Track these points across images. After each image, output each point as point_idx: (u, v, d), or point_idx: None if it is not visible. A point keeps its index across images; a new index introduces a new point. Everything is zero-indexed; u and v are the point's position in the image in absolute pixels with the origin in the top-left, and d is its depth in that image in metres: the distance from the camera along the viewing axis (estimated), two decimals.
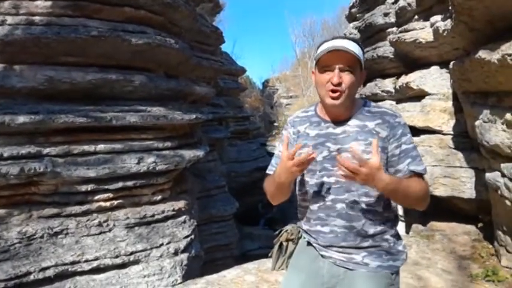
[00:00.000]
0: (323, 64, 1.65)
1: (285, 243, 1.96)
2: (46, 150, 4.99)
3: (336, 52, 1.59)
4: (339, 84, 1.61)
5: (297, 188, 1.85)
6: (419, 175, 1.68)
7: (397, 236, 1.77)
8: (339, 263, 1.71)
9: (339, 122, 1.72)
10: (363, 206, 1.66)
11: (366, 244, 1.69)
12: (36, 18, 5.02)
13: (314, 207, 1.76)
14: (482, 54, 3.75)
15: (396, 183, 1.56)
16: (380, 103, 6.96)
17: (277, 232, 2.02)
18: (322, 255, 1.76)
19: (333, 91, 1.62)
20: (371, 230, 1.68)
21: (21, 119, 4.70)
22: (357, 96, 1.83)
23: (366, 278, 1.67)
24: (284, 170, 1.62)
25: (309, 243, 1.84)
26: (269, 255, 2.00)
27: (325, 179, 1.71)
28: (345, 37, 1.70)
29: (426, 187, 1.69)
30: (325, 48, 1.62)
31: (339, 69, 1.61)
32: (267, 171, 1.94)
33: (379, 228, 1.69)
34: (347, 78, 1.61)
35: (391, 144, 1.67)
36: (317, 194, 1.74)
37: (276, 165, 1.86)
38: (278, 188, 1.74)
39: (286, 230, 1.98)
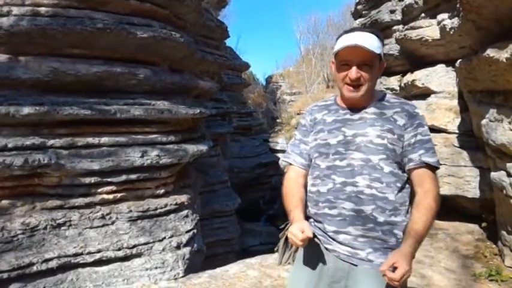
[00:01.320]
0: (341, 59, 1.66)
1: None
2: (50, 142, 4.99)
3: (353, 48, 1.59)
4: (357, 79, 1.63)
5: (309, 173, 1.85)
6: (430, 167, 1.66)
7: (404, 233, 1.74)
8: (343, 257, 1.71)
9: (357, 109, 1.75)
10: (374, 191, 1.64)
11: (373, 234, 1.66)
12: (42, 10, 5.01)
13: (323, 189, 1.75)
14: (491, 52, 3.72)
15: (418, 241, 1.57)
16: None
17: (282, 226, 2.00)
18: (327, 249, 1.75)
19: (351, 85, 1.66)
20: (381, 218, 1.65)
21: (26, 110, 4.70)
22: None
23: (369, 274, 1.66)
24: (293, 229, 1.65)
25: (314, 236, 1.80)
26: (275, 249, 1.99)
27: (337, 162, 1.71)
28: (364, 30, 1.69)
29: (435, 193, 1.64)
30: (343, 43, 1.62)
31: (357, 65, 1.62)
32: (285, 159, 1.96)
33: (389, 218, 1.66)
34: (365, 73, 1.63)
35: (408, 132, 1.67)
36: (327, 177, 1.73)
37: (293, 153, 1.91)
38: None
39: None
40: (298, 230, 1.60)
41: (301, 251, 1.88)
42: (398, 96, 7.35)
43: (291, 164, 1.92)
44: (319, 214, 1.77)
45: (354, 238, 1.68)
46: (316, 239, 1.79)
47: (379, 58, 1.67)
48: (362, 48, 1.57)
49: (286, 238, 1.96)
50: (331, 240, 1.74)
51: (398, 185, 1.67)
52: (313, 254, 1.80)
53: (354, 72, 1.61)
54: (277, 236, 2.00)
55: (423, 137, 1.67)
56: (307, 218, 1.88)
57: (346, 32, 1.69)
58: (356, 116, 1.73)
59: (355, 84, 1.64)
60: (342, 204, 1.68)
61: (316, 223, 1.81)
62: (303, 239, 1.58)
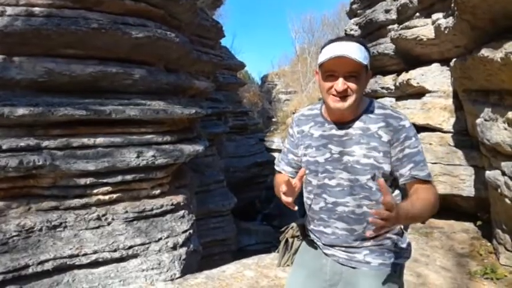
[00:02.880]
0: (326, 69, 1.59)
1: (290, 240, 1.97)
2: (45, 143, 4.96)
3: (340, 59, 1.52)
4: (344, 91, 1.56)
5: (303, 185, 1.83)
6: (423, 181, 1.61)
7: (401, 233, 1.75)
8: (341, 261, 1.72)
9: (342, 123, 1.69)
10: (364, 209, 1.64)
11: (367, 244, 1.69)
12: (36, 10, 4.97)
13: (316, 207, 1.76)
14: (485, 52, 3.74)
15: (413, 205, 1.50)
16: (380, 100, 6.97)
17: (283, 229, 2.02)
18: (325, 253, 1.78)
19: (337, 97, 1.59)
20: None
21: (21, 111, 4.66)
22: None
23: (367, 276, 1.67)
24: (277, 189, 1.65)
25: (313, 241, 1.86)
26: (276, 251, 2.02)
27: (326, 181, 1.71)
28: (349, 39, 1.63)
29: (434, 194, 1.61)
30: (329, 53, 1.55)
31: (343, 76, 1.56)
32: (275, 167, 1.97)
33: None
34: (351, 84, 1.56)
35: (394, 148, 1.62)
36: (319, 196, 1.74)
37: (282, 162, 1.92)
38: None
39: (292, 227, 1.99)
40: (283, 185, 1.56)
41: (300, 254, 1.91)
42: (394, 95, 7.42)
43: (279, 173, 1.95)
44: (315, 230, 1.81)
45: (348, 249, 1.72)
46: (315, 244, 1.84)
47: (366, 69, 1.61)
48: (349, 58, 1.51)
49: (286, 240, 1.98)
50: (328, 247, 1.77)
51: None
52: (311, 257, 1.83)
53: (340, 84, 1.55)
54: (273, 235, 2.04)
55: (411, 149, 1.62)
56: (306, 230, 1.93)
57: (332, 41, 1.62)
58: (342, 132, 1.68)
59: (342, 95, 1.58)
60: (335, 224, 1.71)
61: (312, 235, 1.85)
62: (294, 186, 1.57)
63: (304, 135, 1.79)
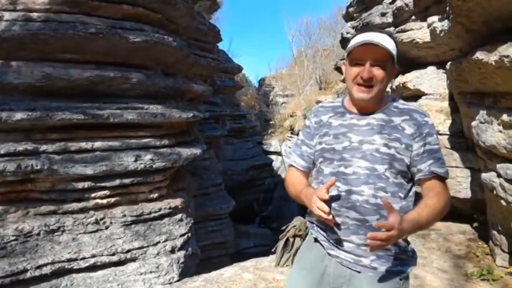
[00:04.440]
0: (354, 57, 1.60)
1: (291, 239, 1.92)
2: (43, 147, 4.98)
3: (368, 46, 1.53)
4: (370, 79, 1.57)
5: (313, 177, 1.80)
6: (440, 178, 1.62)
7: (408, 241, 1.72)
8: (345, 264, 1.66)
9: (364, 114, 1.68)
10: (379, 200, 1.58)
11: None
12: (34, 15, 5.00)
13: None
14: (480, 55, 3.77)
15: (420, 217, 1.50)
16: None
17: (284, 227, 1.97)
18: (329, 254, 1.71)
19: (362, 85, 1.59)
20: None
21: (19, 115, 4.68)
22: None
23: (373, 282, 1.62)
24: (309, 201, 1.59)
25: (316, 240, 1.78)
26: (272, 250, 1.97)
27: (342, 169, 1.66)
28: (379, 30, 1.64)
29: (446, 197, 1.61)
30: (358, 41, 1.57)
31: (370, 64, 1.56)
32: (286, 159, 1.95)
33: None
34: (378, 73, 1.57)
35: (416, 142, 1.61)
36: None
37: (294, 154, 1.87)
38: (299, 201, 1.73)
39: (294, 226, 1.94)
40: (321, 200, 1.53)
41: (301, 254, 1.85)
42: None
43: (291, 165, 1.89)
44: (322, 222, 1.70)
45: (356, 246, 1.64)
46: (318, 243, 1.77)
47: (393, 61, 1.60)
48: (377, 45, 1.52)
49: (287, 240, 1.94)
50: (333, 246, 1.71)
51: (403, 194, 1.64)
52: (314, 258, 1.76)
53: (366, 71, 1.55)
54: (271, 237, 2.01)
55: (432, 146, 1.62)
56: (309, 222, 1.86)
57: (362, 32, 1.63)
58: (363, 122, 1.67)
59: (367, 84, 1.58)
60: (346, 213, 1.63)
61: (319, 229, 1.78)
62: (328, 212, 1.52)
63: (322, 124, 1.77)
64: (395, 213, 1.42)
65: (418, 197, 1.67)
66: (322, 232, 1.76)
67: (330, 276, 1.69)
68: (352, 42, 1.60)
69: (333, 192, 1.64)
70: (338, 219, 1.64)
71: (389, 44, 1.57)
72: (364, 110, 1.68)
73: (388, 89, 7.47)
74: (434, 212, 1.54)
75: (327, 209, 1.51)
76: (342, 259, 1.67)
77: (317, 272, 1.72)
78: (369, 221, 1.60)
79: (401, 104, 1.70)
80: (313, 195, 1.57)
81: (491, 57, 3.55)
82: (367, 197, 1.60)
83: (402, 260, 1.67)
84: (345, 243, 1.66)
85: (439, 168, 1.61)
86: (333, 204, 1.64)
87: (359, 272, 1.64)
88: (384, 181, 1.60)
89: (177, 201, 6.15)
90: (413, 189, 1.70)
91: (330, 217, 1.52)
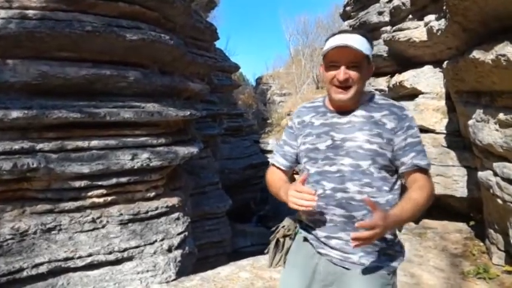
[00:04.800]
0: (329, 60, 1.64)
1: (281, 240, 1.94)
2: (39, 146, 4.95)
3: (342, 49, 1.57)
4: (346, 80, 1.61)
5: (299, 176, 1.82)
6: (423, 170, 1.67)
7: (395, 236, 1.75)
8: (335, 261, 1.70)
9: (345, 112, 1.72)
10: (364, 196, 1.61)
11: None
12: (30, 13, 4.96)
13: None
14: (476, 54, 3.78)
15: (403, 211, 1.55)
16: None
17: (273, 228, 1.99)
18: (319, 253, 1.75)
19: (339, 87, 1.63)
20: None
21: (15, 114, 4.66)
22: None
23: (362, 278, 1.65)
24: (286, 197, 1.62)
25: (305, 239, 1.82)
26: (265, 251, 1.99)
27: (326, 167, 1.70)
28: (352, 31, 1.68)
29: (429, 189, 1.66)
30: (331, 44, 1.61)
31: (345, 66, 1.60)
32: (271, 161, 1.97)
33: None
34: (353, 74, 1.61)
35: (398, 136, 1.65)
36: (317, 183, 1.72)
37: (277, 154, 1.94)
38: (279, 198, 1.77)
39: (283, 226, 1.96)
40: (297, 190, 1.56)
41: (292, 253, 1.88)
42: (387, 97, 7.47)
43: (273, 165, 1.95)
44: (311, 220, 1.77)
45: (345, 243, 1.66)
46: (308, 243, 1.79)
47: (368, 60, 1.65)
48: (351, 48, 1.56)
49: (277, 240, 1.96)
50: (323, 244, 1.73)
51: (388, 188, 1.68)
52: (304, 257, 1.79)
53: (342, 73, 1.60)
54: (268, 236, 2.00)
55: (414, 139, 1.66)
56: (298, 221, 1.90)
57: (335, 33, 1.68)
58: (344, 120, 1.71)
59: (344, 85, 1.62)
60: (333, 211, 1.68)
61: (308, 228, 1.81)
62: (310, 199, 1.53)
63: (305, 125, 1.82)
64: (378, 211, 1.46)
65: (404, 189, 1.72)
66: (311, 231, 1.79)
67: (321, 274, 1.73)
68: (327, 46, 1.64)
69: (319, 191, 1.69)
70: (325, 217, 1.70)
71: (363, 45, 1.60)
72: (344, 108, 1.72)
73: (385, 88, 7.51)
74: (417, 205, 1.59)
75: (300, 195, 1.54)
76: (331, 257, 1.71)
77: (308, 270, 1.76)
78: (356, 217, 1.65)
79: (380, 99, 1.75)
80: (288, 190, 1.60)
81: (488, 56, 3.56)
82: (352, 193, 1.65)
83: (390, 255, 1.71)
84: (334, 241, 1.70)
85: (421, 160, 1.66)
86: (320, 203, 1.68)
87: (348, 269, 1.68)
88: (369, 176, 1.65)
89: (174, 200, 6.13)
90: (399, 181, 1.74)
91: (307, 203, 1.53)
